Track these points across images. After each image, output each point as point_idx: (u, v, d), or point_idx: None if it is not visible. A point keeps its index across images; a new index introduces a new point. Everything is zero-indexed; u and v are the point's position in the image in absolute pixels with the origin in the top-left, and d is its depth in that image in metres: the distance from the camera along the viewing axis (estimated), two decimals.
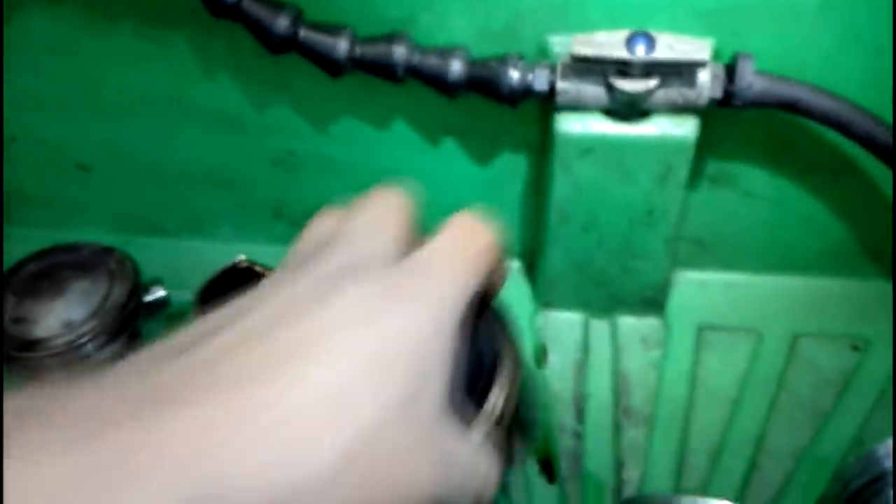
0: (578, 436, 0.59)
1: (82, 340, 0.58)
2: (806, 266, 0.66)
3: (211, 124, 0.65)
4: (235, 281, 0.63)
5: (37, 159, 0.70)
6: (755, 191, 0.62)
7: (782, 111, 0.52)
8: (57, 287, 0.61)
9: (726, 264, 0.67)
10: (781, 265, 0.66)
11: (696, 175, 0.60)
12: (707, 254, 0.66)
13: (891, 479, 0.47)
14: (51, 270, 0.62)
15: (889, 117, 0.53)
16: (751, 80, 0.49)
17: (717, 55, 0.52)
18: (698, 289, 0.67)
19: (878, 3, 0.50)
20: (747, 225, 0.64)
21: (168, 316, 0.66)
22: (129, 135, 0.67)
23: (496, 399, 0.34)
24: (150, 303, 0.64)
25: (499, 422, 0.34)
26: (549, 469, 0.57)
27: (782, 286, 0.66)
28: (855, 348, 0.62)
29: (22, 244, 0.65)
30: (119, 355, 0.59)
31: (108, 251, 0.63)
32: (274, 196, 0.70)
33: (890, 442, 0.47)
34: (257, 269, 0.63)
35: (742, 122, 0.57)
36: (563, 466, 0.57)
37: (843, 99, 0.51)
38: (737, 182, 0.61)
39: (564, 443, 0.58)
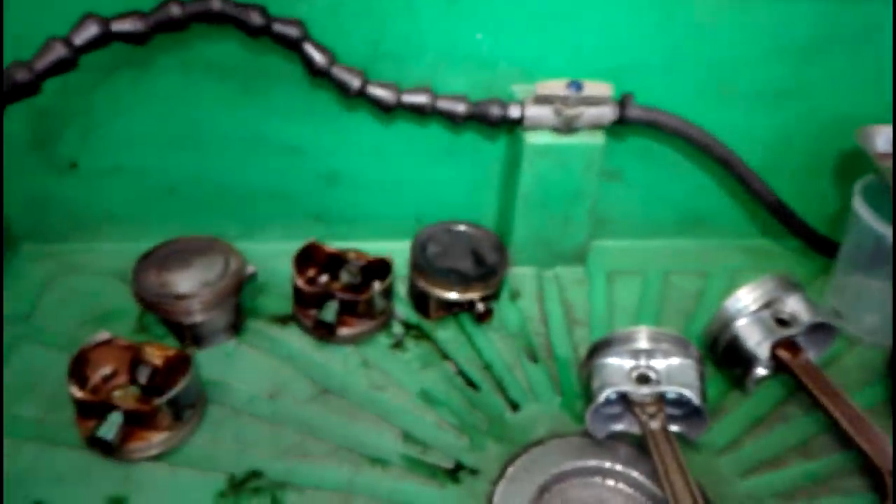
0: (546, 335, 0.92)
1: (216, 295, 0.84)
2: (668, 232, 1.04)
3: (279, 152, 0.94)
4: (310, 254, 0.92)
5: (133, 186, 0.95)
6: (633, 182, 0.99)
7: (652, 127, 0.90)
8: (186, 262, 0.86)
9: (619, 234, 1.04)
10: (653, 232, 1.04)
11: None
12: (607, 227, 1.03)
13: (734, 324, 0.84)
14: (176, 253, 0.88)
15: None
16: (632, 108, 0.88)
17: (615, 94, 0.90)
18: (604, 250, 1.03)
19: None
20: (629, 205, 1.01)
21: (253, 287, 0.93)
22: (212, 164, 0.94)
23: None
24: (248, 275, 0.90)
25: None
26: (533, 356, 0.89)
27: (655, 245, 1.04)
28: (701, 276, 1.00)
29: (108, 258, 0.91)
30: (234, 310, 0.85)
31: (213, 239, 0.90)
32: (316, 204, 0.99)
33: (733, 298, 0.84)
34: (325, 248, 0.93)
35: (628, 139, 0.95)
36: (542, 354, 0.90)
37: (685, 120, 0.90)
38: (622, 176, 0.99)
39: (539, 341, 0.91)
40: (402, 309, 0.93)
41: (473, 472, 0.77)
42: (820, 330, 0.84)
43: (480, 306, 0.90)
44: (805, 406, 0.83)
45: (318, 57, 0.83)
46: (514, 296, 0.97)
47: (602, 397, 0.75)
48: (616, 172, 0.99)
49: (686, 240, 1.04)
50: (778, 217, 0.97)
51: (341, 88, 0.85)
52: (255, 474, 0.75)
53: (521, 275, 0.99)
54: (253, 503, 0.73)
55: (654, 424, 0.75)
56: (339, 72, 0.84)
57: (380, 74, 0.87)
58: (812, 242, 0.99)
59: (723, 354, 0.85)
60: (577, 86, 0.86)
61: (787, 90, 0.94)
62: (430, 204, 0.99)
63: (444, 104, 0.88)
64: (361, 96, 0.86)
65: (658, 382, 0.76)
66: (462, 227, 0.95)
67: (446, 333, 0.91)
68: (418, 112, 0.88)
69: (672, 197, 1.02)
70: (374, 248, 0.93)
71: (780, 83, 0.93)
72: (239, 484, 0.74)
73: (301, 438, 0.79)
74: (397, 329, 0.91)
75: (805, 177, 0.99)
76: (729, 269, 1.00)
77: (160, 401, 0.74)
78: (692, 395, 0.74)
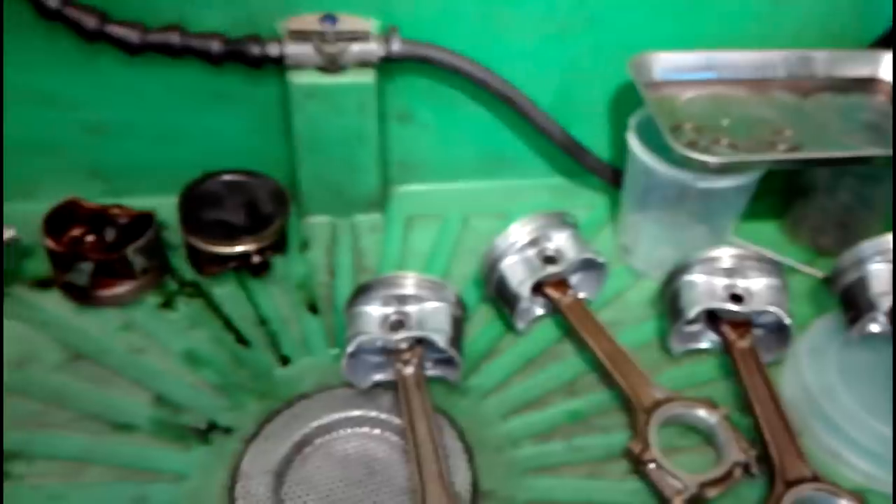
0: (330, 286, 0.88)
1: None
2: (470, 174, 1.00)
3: (34, 105, 0.87)
4: (69, 214, 0.86)
5: None
6: (427, 124, 0.95)
7: (426, 64, 0.86)
8: None
9: (421, 178, 1.00)
10: (455, 175, 1.00)
11: (388, 116, 0.93)
12: (407, 172, 0.99)
13: (500, 263, 0.81)
14: None
15: None
16: (399, 43, 0.83)
17: (382, 30, 0.85)
18: (406, 195, 0.99)
19: None
20: (426, 148, 0.97)
21: (17, 251, 0.86)
22: None
23: None
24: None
25: None
26: (313, 308, 0.86)
27: (458, 188, 1.00)
28: (501, 217, 0.97)
29: None
30: None
31: None
32: (89, 158, 0.92)
33: (501, 237, 0.81)
34: (85, 204, 0.87)
35: (412, 78, 0.90)
36: (322, 305, 0.86)
37: (461, 55, 0.86)
38: (415, 118, 0.95)
39: (322, 292, 0.87)
40: (182, 265, 0.89)
41: (227, 431, 0.74)
42: (595, 267, 0.82)
43: (255, 259, 0.86)
44: (575, 345, 0.81)
45: None
46: (303, 246, 0.92)
47: (351, 347, 0.72)
48: (406, 114, 0.94)
49: (489, 181, 1.01)
50: (569, 153, 0.94)
51: (77, 30, 0.79)
52: None
53: (314, 224, 0.95)
54: None
55: (407, 371, 0.73)
56: (71, 12, 0.78)
57: (126, 14, 0.81)
58: (610, 179, 0.97)
59: (495, 294, 0.83)
60: (331, 19, 0.80)
61: (574, 21, 0.90)
62: (212, 153, 0.93)
63: (196, 42, 0.81)
64: (102, 38, 0.79)
65: (410, 328, 0.73)
66: (238, 177, 0.90)
67: (223, 290, 0.87)
68: (169, 53, 0.82)
69: (470, 137, 0.98)
70: (157, 203, 0.88)
71: (566, 13, 0.89)
72: None
73: (43, 407, 0.74)
74: (171, 287, 0.87)
75: (600, 110, 0.97)
76: (530, 209, 0.97)
77: None
78: (439, 338, 0.72)
